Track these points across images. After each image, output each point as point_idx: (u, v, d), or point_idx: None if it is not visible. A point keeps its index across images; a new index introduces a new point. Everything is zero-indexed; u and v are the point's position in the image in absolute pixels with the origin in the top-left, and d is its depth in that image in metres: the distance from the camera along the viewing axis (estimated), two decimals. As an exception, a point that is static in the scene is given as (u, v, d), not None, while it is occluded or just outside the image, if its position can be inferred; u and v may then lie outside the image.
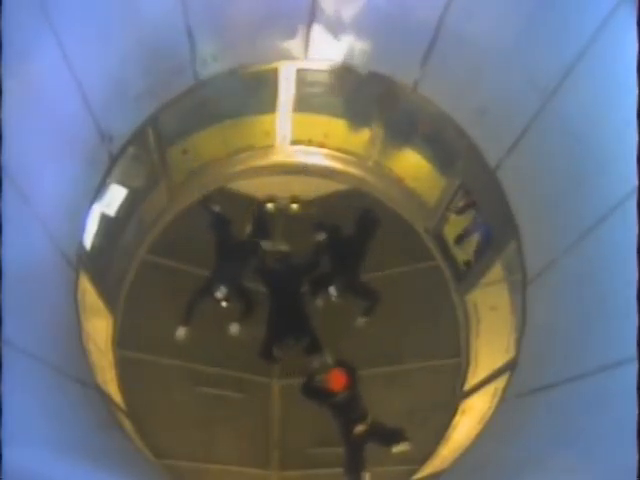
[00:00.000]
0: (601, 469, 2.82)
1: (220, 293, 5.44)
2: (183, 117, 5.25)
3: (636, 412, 2.54)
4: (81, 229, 4.56)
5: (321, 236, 5.72)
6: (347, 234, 5.77)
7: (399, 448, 5.04)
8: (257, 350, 5.43)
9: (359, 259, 5.66)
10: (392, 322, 5.63)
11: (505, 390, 4.54)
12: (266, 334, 5.42)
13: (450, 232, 5.75)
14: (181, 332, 5.50)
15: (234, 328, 5.57)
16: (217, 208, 5.73)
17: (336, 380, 5.09)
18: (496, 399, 4.62)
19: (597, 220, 3.55)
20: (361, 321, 5.68)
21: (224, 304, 5.53)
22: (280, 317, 5.42)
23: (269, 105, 5.67)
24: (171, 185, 5.75)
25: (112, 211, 4.98)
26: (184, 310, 5.50)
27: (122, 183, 5.00)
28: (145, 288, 5.57)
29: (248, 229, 5.79)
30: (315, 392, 5.24)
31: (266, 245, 5.73)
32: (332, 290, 5.61)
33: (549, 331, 4.19)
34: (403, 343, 5.64)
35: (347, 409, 5.10)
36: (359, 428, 5.03)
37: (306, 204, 6.06)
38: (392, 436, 5.07)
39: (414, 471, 5.23)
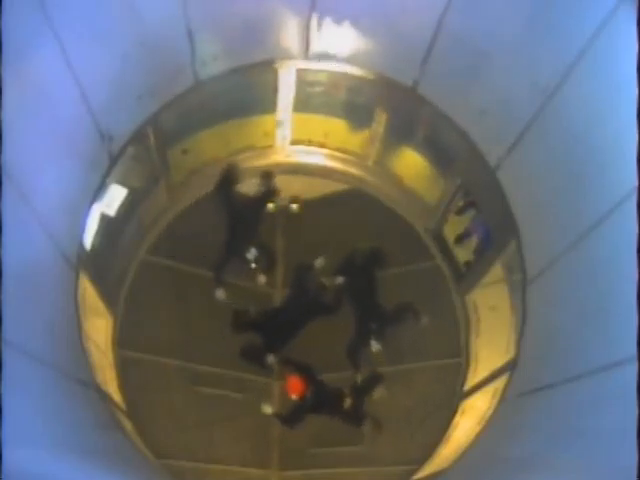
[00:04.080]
0: (601, 469, 2.83)
1: (251, 254, 5.57)
2: (183, 117, 5.25)
3: (636, 412, 2.55)
4: (81, 229, 4.56)
5: (339, 280, 5.61)
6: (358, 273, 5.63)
7: (378, 393, 5.40)
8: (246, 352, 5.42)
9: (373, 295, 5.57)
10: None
11: (505, 390, 4.54)
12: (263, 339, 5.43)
13: (450, 232, 5.75)
14: (220, 294, 5.64)
15: (220, 294, 5.66)
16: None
17: (294, 387, 5.17)
18: (496, 399, 4.62)
19: (597, 220, 3.55)
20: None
21: (253, 265, 5.69)
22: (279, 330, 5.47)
23: (269, 105, 5.67)
24: (171, 185, 5.74)
25: (112, 211, 4.98)
26: (214, 274, 5.61)
27: (122, 183, 5.00)
28: (145, 288, 5.57)
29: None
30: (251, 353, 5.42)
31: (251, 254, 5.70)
32: (375, 344, 5.49)
33: (549, 331, 4.19)
34: (403, 343, 5.63)
35: (324, 401, 5.25)
36: (346, 403, 5.25)
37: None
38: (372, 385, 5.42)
39: (414, 471, 5.24)
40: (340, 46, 4.95)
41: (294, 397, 5.19)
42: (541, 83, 3.91)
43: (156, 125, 5.05)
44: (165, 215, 5.82)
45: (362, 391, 5.44)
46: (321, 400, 5.25)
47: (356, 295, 5.53)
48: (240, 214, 5.54)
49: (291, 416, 5.31)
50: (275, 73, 5.28)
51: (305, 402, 5.19)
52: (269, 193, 5.66)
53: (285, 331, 5.44)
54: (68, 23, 3.58)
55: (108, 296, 5.18)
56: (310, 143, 6.06)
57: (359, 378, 5.50)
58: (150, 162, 5.35)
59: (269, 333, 5.42)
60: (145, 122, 4.91)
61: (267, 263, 5.81)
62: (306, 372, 5.27)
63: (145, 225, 5.69)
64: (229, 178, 5.50)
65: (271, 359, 5.45)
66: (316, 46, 4.99)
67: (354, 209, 5.97)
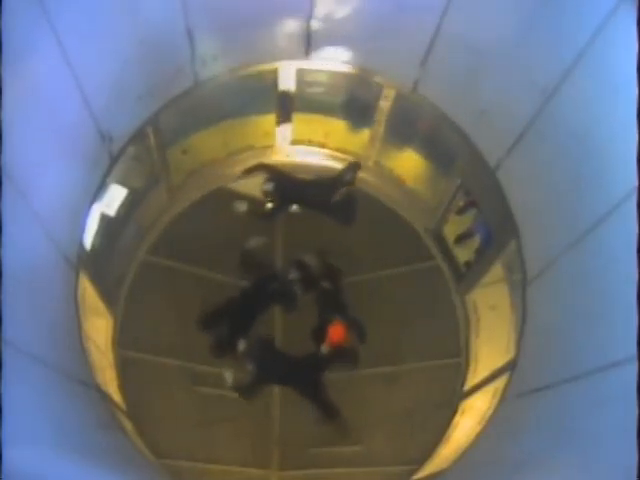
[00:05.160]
0: (601, 469, 2.83)
1: (267, 186, 5.68)
2: (183, 117, 5.25)
3: (636, 412, 2.54)
4: (81, 229, 4.57)
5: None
6: None
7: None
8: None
9: None
10: (392, 322, 5.63)
11: (505, 390, 4.54)
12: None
13: (450, 232, 5.75)
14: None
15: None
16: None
17: (337, 334, 5.21)
18: (496, 399, 4.62)
19: (597, 220, 3.55)
20: None
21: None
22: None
23: (269, 105, 5.67)
24: (171, 185, 5.75)
25: (112, 211, 4.98)
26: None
27: (122, 183, 5.00)
28: (145, 288, 5.57)
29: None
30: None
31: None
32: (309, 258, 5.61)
33: (549, 331, 4.19)
34: (403, 343, 5.63)
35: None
36: (325, 285, 5.51)
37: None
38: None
39: (414, 471, 5.23)
40: (340, 46, 4.95)
41: (340, 343, 5.23)
42: (541, 83, 3.91)
43: (156, 125, 5.05)
44: (165, 215, 5.82)
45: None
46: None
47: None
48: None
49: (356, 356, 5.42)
50: (275, 73, 5.29)
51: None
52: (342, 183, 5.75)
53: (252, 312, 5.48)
54: (68, 24, 3.58)
55: (108, 296, 5.18)
56: (310, 143, 6.07)
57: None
58: (150, 162, 5.35)
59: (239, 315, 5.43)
60: (145, 122, 4.91)
61: (278, 202, 5.76)
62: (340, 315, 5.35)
63: (145, 225, 5.68)
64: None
65: (242, 345, 5.35)
66: (316, 46, 5.00)
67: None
